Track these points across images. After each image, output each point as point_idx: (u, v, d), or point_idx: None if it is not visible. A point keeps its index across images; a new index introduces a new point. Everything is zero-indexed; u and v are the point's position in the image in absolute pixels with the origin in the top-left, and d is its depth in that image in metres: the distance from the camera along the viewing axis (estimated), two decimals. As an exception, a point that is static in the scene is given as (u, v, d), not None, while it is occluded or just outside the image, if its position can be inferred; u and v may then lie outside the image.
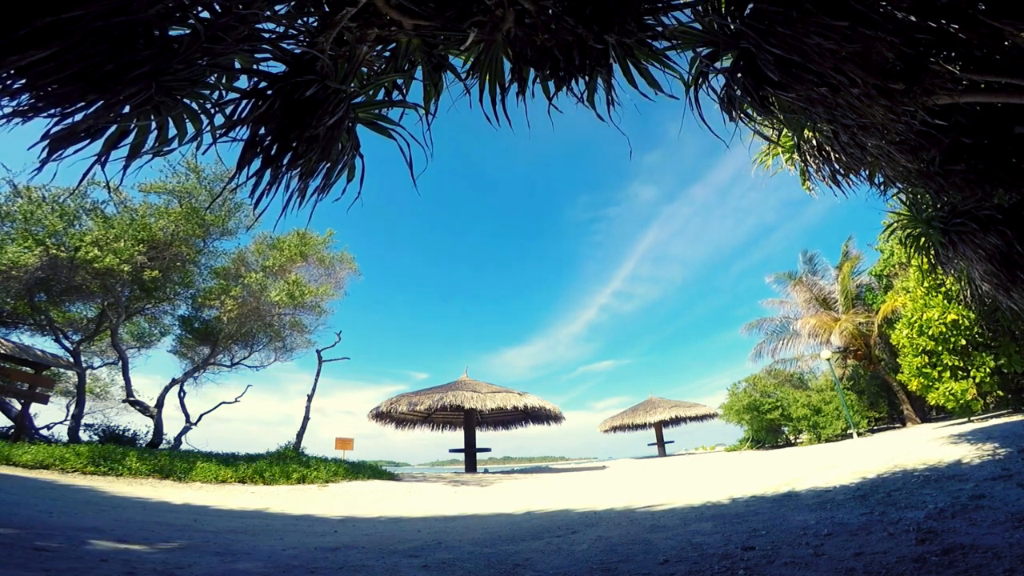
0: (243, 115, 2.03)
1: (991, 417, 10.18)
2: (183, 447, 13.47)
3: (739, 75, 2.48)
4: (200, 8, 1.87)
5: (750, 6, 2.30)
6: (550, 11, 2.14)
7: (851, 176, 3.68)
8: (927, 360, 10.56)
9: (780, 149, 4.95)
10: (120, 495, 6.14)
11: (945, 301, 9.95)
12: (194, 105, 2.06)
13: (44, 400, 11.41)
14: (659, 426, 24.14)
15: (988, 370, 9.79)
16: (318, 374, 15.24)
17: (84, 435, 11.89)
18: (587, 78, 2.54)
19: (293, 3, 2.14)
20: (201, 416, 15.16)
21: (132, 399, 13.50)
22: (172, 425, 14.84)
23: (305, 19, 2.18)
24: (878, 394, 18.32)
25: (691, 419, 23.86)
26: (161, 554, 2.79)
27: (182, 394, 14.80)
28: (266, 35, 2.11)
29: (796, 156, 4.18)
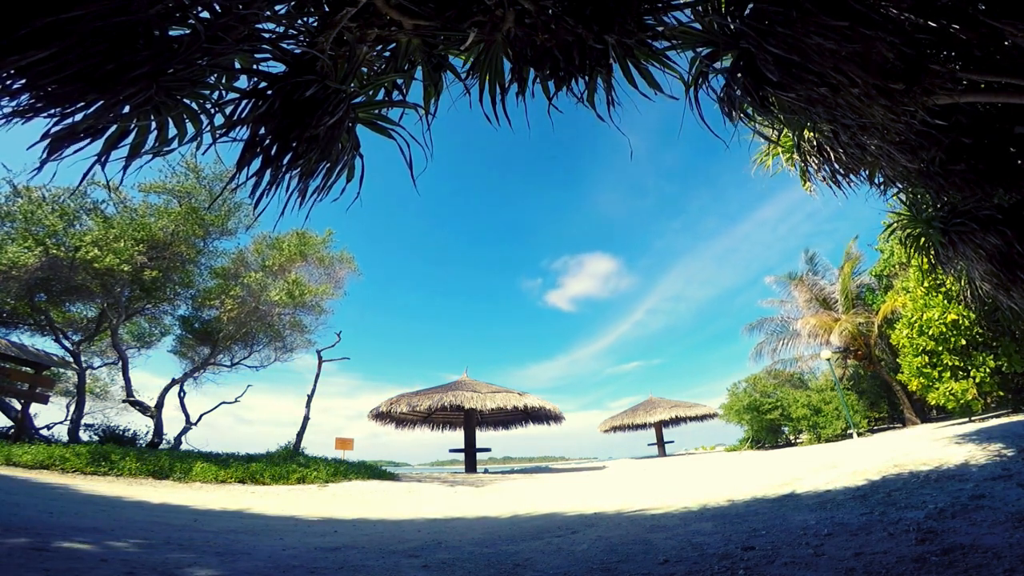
0: (243, 115, 2.03)
1: (991, 417, 10.17)
2: (183, 447, 13.46)
3: (739, 75, 2.47)
4: (200, 8, 1.87)
5: (750, 6, 2.30)
6: (550, 11, 2.14)
7: (851, 176, 3.68)
8: (927, 360, 10.56)
9: (780, 149, 4.96)
10: (120, 495, 6.14)
11: (945, 301, 9.95)
12: (194, 105, 2.06)
13: (44, 400, 11.43)
14: (659, 426, 24.15)
15: (988, 370, 9.78)
16: (317, 375, 15.26)
17: (84, 435, 11.89)
18: (587, 78, 2.54)
19: (293, 3, 2.14)
20: (201, 416, 15.17)
21: (132, 399, 13.50)
22: (172, 425, 14.89)
23: (305, 19, 2.18)
24: (878, 394, 18.31)
25: (691, 419, 23.86)
26: (161, 554, 2.79)
27: (182, 394, 14.80)
28: (266, 35, 2.11)
29: (796, 156, 4.18)
